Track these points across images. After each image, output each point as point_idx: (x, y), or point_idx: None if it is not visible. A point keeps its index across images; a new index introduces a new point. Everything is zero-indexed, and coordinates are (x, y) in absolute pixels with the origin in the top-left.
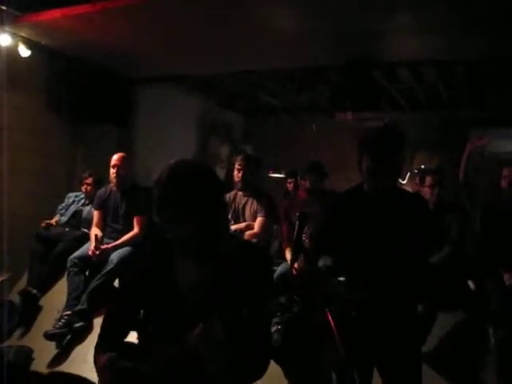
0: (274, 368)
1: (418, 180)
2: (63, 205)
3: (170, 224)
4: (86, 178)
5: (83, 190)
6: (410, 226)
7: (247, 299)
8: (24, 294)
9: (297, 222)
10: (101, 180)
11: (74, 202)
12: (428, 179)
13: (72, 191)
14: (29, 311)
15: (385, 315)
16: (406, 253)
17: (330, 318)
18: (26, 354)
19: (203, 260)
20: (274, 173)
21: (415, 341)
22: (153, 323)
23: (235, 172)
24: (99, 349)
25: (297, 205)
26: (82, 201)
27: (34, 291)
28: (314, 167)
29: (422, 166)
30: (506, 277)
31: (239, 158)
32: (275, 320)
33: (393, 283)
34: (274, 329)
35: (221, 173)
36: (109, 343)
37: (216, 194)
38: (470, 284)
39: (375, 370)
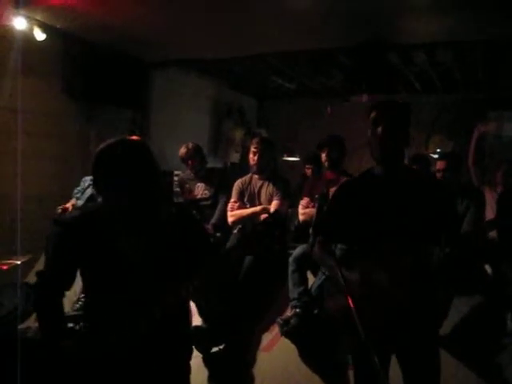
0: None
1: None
2: (79, 188)
3: (103, 194)
4: None
5: None
6: (424, 206)
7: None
8: (41, 274)
9: (317, 204)
10: None
11: (89, 185)
12: (439, 164)
13: (87, 175)
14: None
15: (400, 298)
16: (419, 234)
17: (350, 300)
18: None
19: (135, 227)
20: (288, 156)
21: (433, 324)
22: (91, 285)
23: (251, 155)
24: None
25: (321, 185)
26: None
27: None
28: (331, 139)
29: (438, 150)
30: None
31: (255, 141)
32: (293, 303)
33: (406, 266)
34: (291, 312)
35: (235, 156)
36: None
37: (141, 168)
38: (487, 268)
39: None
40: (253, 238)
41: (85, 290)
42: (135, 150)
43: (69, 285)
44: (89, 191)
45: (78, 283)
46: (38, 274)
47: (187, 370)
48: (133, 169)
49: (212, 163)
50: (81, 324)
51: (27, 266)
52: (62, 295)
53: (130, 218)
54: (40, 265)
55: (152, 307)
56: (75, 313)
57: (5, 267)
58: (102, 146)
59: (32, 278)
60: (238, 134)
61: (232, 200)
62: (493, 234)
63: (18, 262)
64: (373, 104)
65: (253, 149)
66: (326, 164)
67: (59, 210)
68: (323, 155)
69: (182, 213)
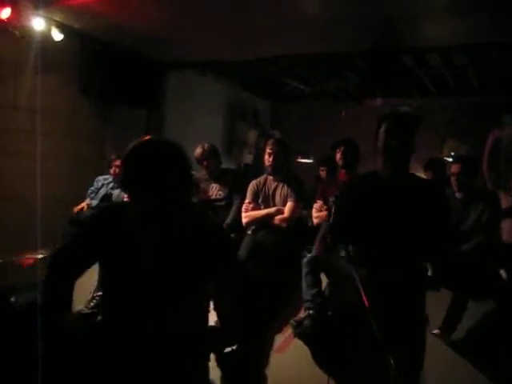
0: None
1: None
2: (93, 188)
3: (131, 192)
4: (114, 161)
5: (111, 173)
6: (422, 211)
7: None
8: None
9: (333, 205)
10: None
11: (103, 185)
12: (453, 167)
13: (101, 174)
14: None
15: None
16: (416, 237)
17: (364, 298)
18: None
19: (160, 228)
20: (302, 158)
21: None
22: (109, 281)
23: (266, 157)
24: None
25: (335, 187)
26: (111, 184)
27: None
28: (347, 139)
29: (452, 154)
30: None
31: (270, 142)
32: (306, 305)
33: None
34: (305, 314)
35: (248, 158)
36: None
37: (174, 169)
38: (502, 273)
39: None
40: None
41: (102, 284)
42: (169, 150)
43: (80, 272)
44: (102, 191)
45: (93, 282)
46: (54, 254)
47: (205, 370)
48: (165, 169)
49: (225, 164)
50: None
51: (44, 264)
52: (72, 278)
53: (155, 218)
54: None
55: (167, 309)
56: (90, 311)
57: (24, 264)
58: (135, 143)
59: None
60: (252, 136)
61: (247, 201)
62: (508, 239)
63: (39, 256)
64: (383, 116)
65: (268, 150)
66: (341, 163)
67: (75, 211)
68: (338, 154)
69: (206, 219)
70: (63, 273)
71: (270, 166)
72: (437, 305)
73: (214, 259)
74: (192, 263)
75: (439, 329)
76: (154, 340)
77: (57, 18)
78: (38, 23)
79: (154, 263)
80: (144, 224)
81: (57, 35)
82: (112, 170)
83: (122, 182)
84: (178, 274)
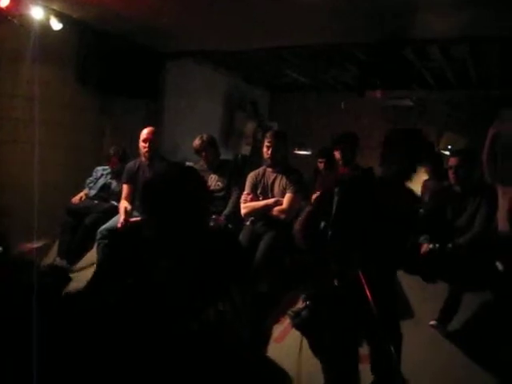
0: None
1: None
2: (91, 178)
3: (147, 217)
4: (112, 156)
5: (109, 165)
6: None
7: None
8: (52, 268)
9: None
10: (125, 156)
11: (102, 175)
12: (451, 160)
13: (100, 165)
14: (58, 284)
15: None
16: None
17: (363, 280)
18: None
19: (174, 254)
20: (299, 150)
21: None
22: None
23: (264, 149)
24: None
25: (333, 179)
26: (110, 174)
27: (64, 264)
28: (346, 136)
29: (449, 147)
30: None
31: (269, 134)
32: (304, 296)
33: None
34: (303, 305)
35: (246, 149)
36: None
37: (190, 200)
38: (498, 265)
39: None
40: None
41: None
42: (190, 177)
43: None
44: (101, 181)
45: (90, 272)
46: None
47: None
48: (187, 196)
49: (223, 155)
50: None
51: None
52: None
53: (170, 246)
54: (53, 253)
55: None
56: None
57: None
58: (157, 171)
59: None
60: (250, 127)
61: (245, 192)
62: (505, 231)
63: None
64: (388, 134)
65: (267, 142)
66: (341, 162)
67: (73, 200)
68: (337, 153)
69: (222, 237)
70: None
71: (268, 157)
72: (433, 296)
73: (227, 276)
74: (205, 281)
75: (436, 320)
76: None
77: (56, 7)
78: (36, 12)
79: (168, 280)
80: (157, 251)
81: (56, 24)
82: (110, 164)
83: (141, 206)
84: (191, 291)
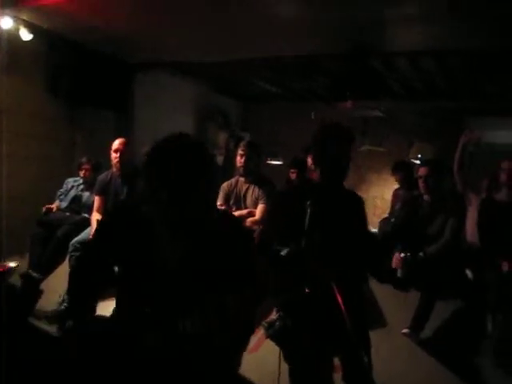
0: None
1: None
2: (62, 190)
3: (154, 191)
4: (84, 164)
5: (81, 176)
6: (348, 218)
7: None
8: (25, 276)
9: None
10: (99, 165)
11: (72, 187)
12: (421, 170)
13: (71, 176)
14: (30, 294)
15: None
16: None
17: (336, 293)
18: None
19: (182, 232)
20: (271, 160)
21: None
22: (127, 287)
23: (238, 158)
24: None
25: None
26: (82, 186)
27: (35, 274)
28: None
29: (419, 156)
30: (503, 266)
31: (242, 144)
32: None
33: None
34: (276, 315)
35: (219, 159)
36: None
37: (200, 168)
38: (468, 273)
39: None
40: None
41: (118, 286)
42: (196, 150)
43: (105, 268)
44: (72, 193)
45: (62, 285)
46: (83, 244)
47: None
48: (191, 171)
49: None
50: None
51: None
52: (99, 275)
53: (176, 219)
54: (23, 266)
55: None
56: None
57: None
58: (159, 141)
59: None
60: (222, 137)
61: (218, 203)
62: (474, 239)
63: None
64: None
65: (240, 152)
66: (313, 167)
67: (43, 210)
68: (309, 159)
69: (230, 223)
70: (89, 267)
71: (241, 167)
72: (405, 305)
73: (233, 271)
74: (212, 268)
75: (408, 328)
76: (168, 344)
77: (25, 18)
78: (5, 22)
79: (172, 267)
80: (163, 226)
81: (25, 35)
82: (82, 173)
83: (146, 181)
84: (197, 278)
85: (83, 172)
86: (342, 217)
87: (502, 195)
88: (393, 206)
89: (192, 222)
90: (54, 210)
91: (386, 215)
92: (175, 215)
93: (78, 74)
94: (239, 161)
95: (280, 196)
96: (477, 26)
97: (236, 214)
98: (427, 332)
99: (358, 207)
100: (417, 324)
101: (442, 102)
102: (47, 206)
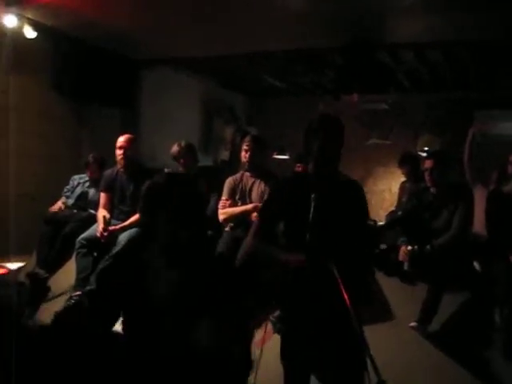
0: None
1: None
2: (68, 187)
3: (148, 223)
4: (90, 161)
5: (88, 176)
6: (345, 208)
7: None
8: (32, 276)
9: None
10: (104, 162)
11: (79, 184)
12: (427, 162)
13: (77, 173)
14: (37, 292)
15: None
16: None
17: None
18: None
19: (174, 264)
20: (278, 154)
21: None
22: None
23: (243, 153)
24: None
25: None
26: (87, 183)
27: (42, 272)
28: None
29: (426, 148)
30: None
31: (247, 138)
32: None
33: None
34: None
35: (225, 154)
36: None
37: (192, 207)
38: (476, 265)
39: None
40: None
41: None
42: (188, 192)
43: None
44: (78, 190)
45: (69, 282)
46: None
47: None
48: (184, 210)
49: (202, 161)
50: None
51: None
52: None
53: (170, 251)
54: (30, 264)
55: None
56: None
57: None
58: (158, 178)
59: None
60: (228, 132)
61: (223, 198)
62: (482, 231)
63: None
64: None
65: (245, 146)
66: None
67: (51, 210)
68: None
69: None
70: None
71: (246, 162)
72: (412, 298)
73: (210, 295)
74: (193, 294)
75: (416, 321)
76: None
77: (29, 16)
78: (10, 20)
79: (164, 289)
80: (157, 258)
81: (30, 33)
82: (89, 173)
83: (141, 213)
84: (183, 299)
85: (89, 172)
86: (337, 205)
87: (510, 187)
88: (400, 199)
89: (183, 252)
90: (61, 207)
91: (393, 208)
92: (168, 245)
93: (84, 72)
94: (244, 155)
95: (277, 182)
96: (484, 16)
97: (241, 208)
98: (435, 325)
99: (355, 195)
100: (424, 317)
101: (450, 94)
102: (53, 207)
